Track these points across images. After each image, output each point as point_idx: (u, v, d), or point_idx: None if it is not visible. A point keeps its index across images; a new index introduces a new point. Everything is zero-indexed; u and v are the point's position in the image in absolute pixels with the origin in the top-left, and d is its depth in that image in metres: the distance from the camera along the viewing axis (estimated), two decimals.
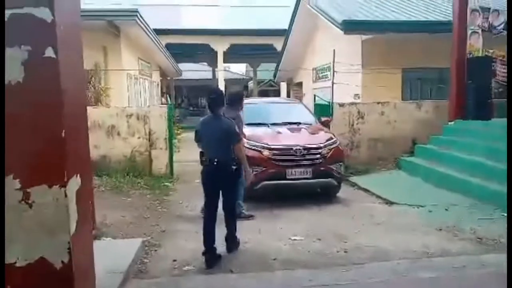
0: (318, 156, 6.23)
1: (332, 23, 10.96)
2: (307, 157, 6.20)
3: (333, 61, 9.56)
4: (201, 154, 4.19)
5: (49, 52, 2.44)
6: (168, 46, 17.92)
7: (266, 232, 4.98)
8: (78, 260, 2.61)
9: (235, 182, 4.30)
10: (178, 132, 15.59)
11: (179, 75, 25.57)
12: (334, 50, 9.65)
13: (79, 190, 2.72)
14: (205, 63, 29.44)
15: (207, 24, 20.83)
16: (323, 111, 9.65)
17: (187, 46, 21.31)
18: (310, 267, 3.89)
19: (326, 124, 7.73)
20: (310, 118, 7.68)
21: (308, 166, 6.17)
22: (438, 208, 5.80)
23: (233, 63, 31.60)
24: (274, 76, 20.15)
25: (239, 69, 39.06)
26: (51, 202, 2.49)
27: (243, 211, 5.51)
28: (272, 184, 6.11)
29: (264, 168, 6.04)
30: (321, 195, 6.73)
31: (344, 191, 7.09)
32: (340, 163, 6.56)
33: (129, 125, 8.37)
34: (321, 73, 14.65)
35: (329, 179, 6.32)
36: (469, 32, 8.67)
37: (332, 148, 6.46)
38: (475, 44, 8.59)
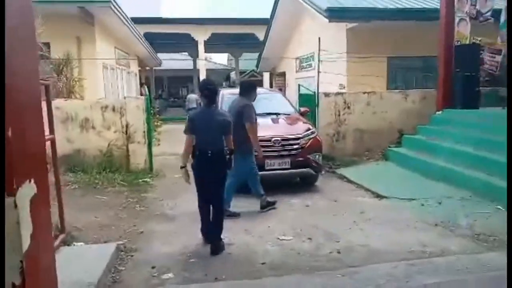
0: (297, 146, 6.23)
1: (316, 10, 10.62)
2: (286, 147, 6.22)
3: (319, 50, 9.22)
4: (193, 147, 4.10)
5: None
6: (147, 36, 17.31)
7: (252, 231, 4.65)
8: (34, 280, 2.21)
9: (226, 174, 4.23)
10: (158, 124, 15.07)
11: (159, 65, 24.88)
12: (319, 38, 9.33)
13: (35, 197, 2.32)
14: (186, 53, 28.77)
15: (188, 13, 20.28)
16: (307, 102, 9.34)
17: (167, 36, 20.70)
18: (302, 271, 3.58)
19: (304, 115, 7.64)
20: (289, 109, 7.59)
21: (287, 156, 6.20)
22: (430, 201, 5.57)
23: (215, 52, 31.01)
24: (257, 66, 19.75)
25: (221, 59, 38.49)
26: None
27: (229, 208, 5.20)
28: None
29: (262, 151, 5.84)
30: (307, 189, 6.44)
31: (332, 185, 6.84)
32: (318, 154, 6.60)
33: (104, 118, 7.87)
34: (305, 62, 14.34)
35: (307, 169, 6.30)
36: (456, 19, 8.46)
37: (310, 139, 6.47)
38: (463, 32, 8.39)
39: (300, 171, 6.34)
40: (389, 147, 8.59)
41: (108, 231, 4.62)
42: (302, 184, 6.72)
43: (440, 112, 8.49)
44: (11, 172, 2.13)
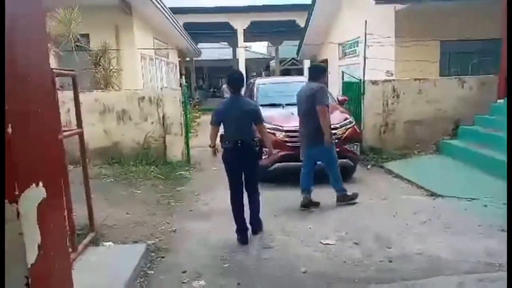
0: (333, 136, 5.79)
1: None
2: None
3: (365, 34, 8.56)
4: (221, 137, 4.10)
5: None
6: (187, 26, 17.17)
7: (292, 233, 4.26)
8: None
9: (257, 162, 4.18)
10: (197, 115, 14.96)
11: (199, 56, 24.81)
12: (366, 21, 8.64)
13: (44, 202, 2.04)
14: (226, 43, 28.57)
15: (226, 1, 19.92)
16: (352, 90, 8.75)
17: (206, 25, 20.49)
18: (348, 283, 3.15)
19: (342, 104, 7.37)
20: None
21: None
22: (493, 201, 4.91)
23: (254, 41, 30.52)
24: (297, 53, 19.12)
25: (260, 48, 38.02)
26: None
27: (347, 193, 5.14)
28: (286, 166, 5.99)
29: (277, 150, 5.75)
30: (351, 185, 5.92)
31: (379, 181, 6.29)
32: (356, 144, 6.40)
33: (141, 109, 7.72)
34: (349, 48, 13.60)
35: (345, 160, 5.99)
36: None
37: (348, 128, 6.27)
38: None
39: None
40: (443, 139, 7.85)
41: (139, 229, 4.39)
42: (344, 179, 6.01)
43: (501, 101, 7.61)
44: (12, 176, 1.85)
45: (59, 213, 2.33)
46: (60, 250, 2.28)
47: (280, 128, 6.16)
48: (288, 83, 8.28)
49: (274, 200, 5.25)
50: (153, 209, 5.12)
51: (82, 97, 7.65)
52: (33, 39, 2.12)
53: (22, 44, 1.99)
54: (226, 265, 3.54)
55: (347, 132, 6.23)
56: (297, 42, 19.41)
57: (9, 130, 1.78)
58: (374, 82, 7.95)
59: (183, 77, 11.55)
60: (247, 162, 4.04)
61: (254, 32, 22.11)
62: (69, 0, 8.30)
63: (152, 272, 3.46)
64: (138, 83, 10.71)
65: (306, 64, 21.93)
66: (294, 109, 6.43)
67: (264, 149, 4.33)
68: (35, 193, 1.98)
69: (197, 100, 20.13)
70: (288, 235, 4.19)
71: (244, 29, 20.02)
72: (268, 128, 5.76)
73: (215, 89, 31.84)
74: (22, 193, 1.84)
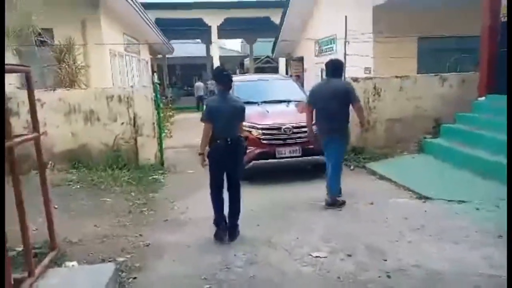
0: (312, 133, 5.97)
1: None
2: (296, 135, 6.18)
3: (345, 30, 8.32)
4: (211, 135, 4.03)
5: None
6: (158, 22, 16.58)
7: (278, 244, 3.90)
8: None
9: (242, 159, 4.28)
10: (171, 114, 14.44)
11: (171, 53, 24.15)
12: (346, 17, 8.40)
13: None
14: (199, 40, 27.97)
15: None
16: None
17: (179, 21, 19.89)
18: None
19: None
20: (300, 95, 7.36)
21: (297, 144, 6.19)
22: (484, 204, 4.72)
23: (228, 38, 30.05)
24: (272, 51, 18.89)
25: (234, 46, 37.52)
26: None
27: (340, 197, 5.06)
28: (262, 163, 6.11)
29: (253, 148, 5.97)
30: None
31: (363, 182, 6.04)
32: None
33: (110, 109, 7.19)
34: (325, 45, 13.40)
35: (319, 156, 5.92)
36: None
37: None
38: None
39: (311, 158, 6.20)
40: (425, 137, 7.70)
41: (108, 244, 3.94)
42: (322, 176, 5.98)
43: (482, 98, 7.53)
44: None
45: None
46: None
47: (256, 126, 6.20)
48: (264, 81, 8.36)
49: (254, 202, 4.95)
50: (124, 219, 4.66)
51: (45, 96, 7.17)
52: None
53: None
54: (207, 286, 3.15)
55: None
56: (271, 40, 19.14)
57: None
58: (355, 80, 7.70)
59: (155, 74, 11.03)
60: (235, 159, 4.07)
61: (228, 29, 21.68)
62: None
63: None
64: (107, 81, 10.12)
65: (282, 61, 21.73)
66: (270, 107, 6.76)
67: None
68: None
69: (171, 99, 19.53)
70: (274, 247, 3.83)
71: (218, 26, 19.56)
72: (244, 126, 5.86)
73: (189, 87, 31.18)
74: None
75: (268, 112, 6.62)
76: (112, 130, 7.18)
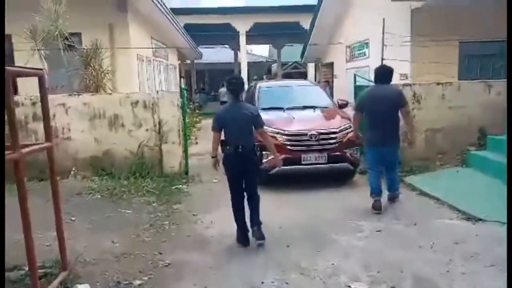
0: (333, 141, 6.17)
1: None
2: (322, 142, 6.15)
3: (383, 32, 7.81)
4: (222, 142, 4.09)
5: None
6: (187, 27, 16.48)
7: (311, 270, 3.48)
8: None
9: (258, 167, 4.22)
10: (198, 120, 14.22)
11: (199, 58, 24.09)
12: (384, 19, 7.90)
13: None
14: (227, 46, 27.89)
15: (228, 2, 19.24)
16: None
17: (207, 27, 19.78)
18: None
19: (342, 108, 7.45)
20: (327, 101, 7.54)
21: (323, 151, 6.13)
22: None
23: (256, 44, 29.80)
24: (301, 56, 18.39)
25: (262, 51, 37.31)
26: None
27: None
28: (288, 170, 5.97)
29: (279, 154, 5.74)
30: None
31: (403, 199, 5.50)
32: (356, 148, 6.39)
33: (134, 115, 6.97)
34: (357, 50, 12.86)
35: (345, 163, 6.20)
36: None
37: (348, 133, 6.27)
38: None
39: (337, 165, 6.19)
40: (469, 149, 7.09)
41: (125, 263, 3.62)
42: (344, 182, 6.44)
43: None
44: None
45: None
46: None
47: (282, 131, 6.19)
48: (290, 87, 8.31)
49: (282, 217, 4.66)
50: (144, 234, 4.35)
51: (69, 100, 7.02)
52: None
53: None
54: None
55: (347, 137, 6.26)
56: (300, 45, 18.73)
57: None
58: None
59: (183, 79, 10.84)
60: (248, 167, 4.04)
61: (257, 34, 21.43)
62: None
63: None
64: (134, 86, 9.97)
65: (311, 67, 21.24)
66: (295, 113, 6.75)
67: (264, 153, 4.66)
68: None
69: (198, 104, 19.40)
70: (306, 274, 3.41)
71: (246, 31, 19.32)
72: (269, 132, 5.91)
73: (216, 92, 31.12)
74: None
75: (294, 118, 6.57)
76: (136, 136, 6.96)
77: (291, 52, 26.65)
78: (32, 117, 6.72)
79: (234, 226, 4.19)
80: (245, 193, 4.14)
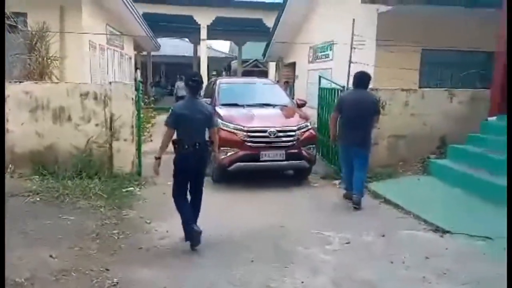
0: (292, 138, 6.27)
1: None
2: (281, 139, 6.23)
3: (352, 35, 7.66)
4: (175, 141, 3.94)
5: None
6: (146, 17, 15.67)
7: None
8: None
9: (207, 164, 4.25)
10: (153, 115, 13.52)
11: (157, 50, 23.17)
12: (353, 20, 7.75)
13: None
14: (186, 40, 27.13)
15: None
16: (330, 98, 7.84)
17: (168, 17, 19.01)
18: None
19: (300, 107, 7.58)
20: (286, 100, 7.67)
21: (282, 148, 6.21)
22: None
23: (217, 39, 29.20)
24: (264, 55, 18.12)
25: (222, 47, 36.76)
26: None
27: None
28: (246, 166, 6.13)
29: (238, 150, 6.09)
30: (341, 215, 5.00)
31: (369, 208, 5.34)
32: (313, 146, 6.62)
33: (83, 107, 6.34)
34: (321, 52, 12.76)
35: (302, 161, 6.37)
36: None
37: (305, 131, 6.48)
38: None
39: (294, 163, 6.35)
40: (429, 157, 7.10)
41: (64, 283, 3.10)
42: (301, 181, 6.63)
43: (493, 118, 6.98)
44: None
45: None
46: None
47: (242, 128, 6.20)
48: (250, 84, 8.48)
49: (242, 224, 4.39)
50: (89, 245, 3.82)
51: (9, 88, 6.25)
52: None
53: None
54: None
55: (304, 135, 6.41)
56: (261, 43, 18.46)
57: None
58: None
59: (138, 71, 10.16)
60: (201, 165, 4.05)
61: (218, 29, 20.92)
62: None
63: None
64: (85, 76, 9.21)
65: (272, 66, 21.04)
66: (255, 110, 6.79)
67: (223, 149, 5.30)
68: None
69: (153, 98, 18.57)
70: None
71: (208, 25, 18.76)
72: (229, 128, 6.20)
73: (173, 86, 30.18)
74: None
75: (254, 115, 6.61)
76: (84, 131, 6.33)
77: (252, 50, 26.40)
78: None
79: None
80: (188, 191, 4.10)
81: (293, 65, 16.22)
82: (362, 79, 5.46)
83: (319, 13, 12.65)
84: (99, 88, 6.41)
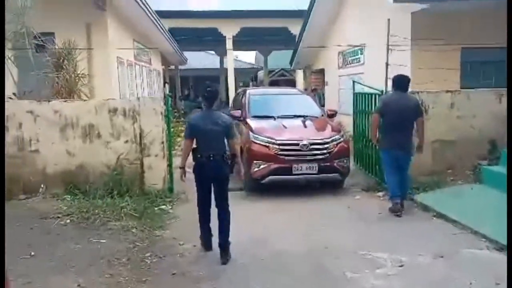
0: (325, 151, 6.17)
1: None
2: (314, 152, 6.13)
3: (388, 35, 7.22)
4: (194, 150, 4.04)
5: None
6: (172, 31, 15.72)
7: None
8: None
9: (228, 177, 4.14)
10: (183, 128, 13.41)
11: (184, 64, 23.31)
12: (388, 20, 7.31)
13: None
14: (213, 52, 27.22)
15: (215, 6, 18.56)
16: (366, 103, 7.40)
17: (193, 31, 19.05)
18: None
19: (331, 117, 7.52)
20: (316, 111, 7.55)
21: (314, 161, 6.10)
22: None
23: (243, 50, 29.15)
24: (291, 63, 17.81)
25: (248, 58, 36.73)
26: None
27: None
28: (278, 179, 6.10)
29: (270, 163, 6.02)
30: (393, 229, 4.56)
31: (419, 223, 4.88)
32: (346, 158, 6.50)
33: (112, 124, 6.19)
34: (351, 56, 12.32)
35: (335, 174, 6.26)
36: None
37: (338, 144, 6.36)
38: None
39: (327, 176, 6.24)
40: (480, 164, 6.54)
41: None
42: (333, 191, 6.37)
43: None
44: None
45: None
46: None
47: (273, 141, 6.14)
48: (280, 95, 8.30)
49: (277, 237, 3.82)
50: (119, 271, 3.57)
51: (38, 108, 6.18)
52: None
53: None
54: None
55: (337, 147, 6.30)
56: (287, 51, 18.18)
57: None
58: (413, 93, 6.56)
59: (167, 85, 10.08)
60: (218, 177, 4.02)
61: (244, 40, 20.81)
62: None
63: None
64: (114, 92, 9.13)
65: (299, 74, 20.70)
66: (286, 121, 6.71)
67: (255, 162, 5.54)
68: None
69: (183, 111, 18.59)
70: None
71: (233, 36, 18.66)
72: (260, 141, 6.19)
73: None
74: None
75: (285, 127, 6.52)
76: (114, 148, 6.17)
77: (278, 59, 26.14)
78: None
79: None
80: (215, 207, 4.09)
81: (321, 71, 15.81)
82: (402, 82, 5.41)
83: (347, 16, 12.26)
84: (127, 104, 6.26)
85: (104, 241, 4.25)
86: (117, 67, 9.66)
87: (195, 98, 29.94)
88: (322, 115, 7.40)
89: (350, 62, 12.41)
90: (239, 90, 11.39)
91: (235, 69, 20.71)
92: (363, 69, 11.19)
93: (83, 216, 4.89)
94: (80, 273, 3.47)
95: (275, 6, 18.07)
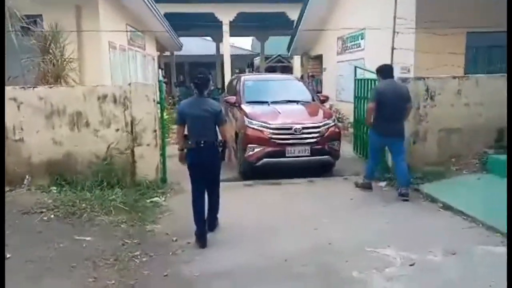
0: (316, 134, 6.38)
1: None
2: (306, 135, 6.34)
3: (394, 17, 6.86)
4: (185, 137, 4.07)
5: None
6: (167, 17, 15.23)
7: None
8: None
9: (219, 163, 4.19)
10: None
11: (180, 50, 22.78)
12: (395, 1, 6.94)
13: None
14: (209, 38, 26.66)
15: None
16: (369, 90, 7.08)
17: (189, 16, 18.53)
18: None
19: (323, 102, 7.69)
20: (309, 96, 7.70)
21: (307, 144, 6.33)
22: None
23: (240, 36, 28.60)
24: (288, 49, 17.39)
25: (244, 44, 36.13)
26: None
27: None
28: (272, 161, 6.29)
29: (264, 147, 6.24)
30: (399, 226, 4.27)
31: (425, 215, 4.61)
32: (337, 141, 6.69)
33: (102, 112, 5.83)
34: (350, 42, 11.94)
35: (327, 156, 6.48)
36: None
37: (330, 127, 6.57)
38: None
39: (319, 158, 6.43)
40: (486, 152, 6.27)
41: None
42: (325, 173, 6.57)
43: None
44: None
45: None
46: None
47: (267, 125, 6.31)
48: (273, 81, 8.45)
49: (285, 247, 3.54)
50: (106, 274, 3.27)
51: (22, 94, 5.78)
52: None
53: None
54: None
55: (328, 131, 6.50)
56: (284, 38, 17.73)
57: None
58: (404, 80, 6.25)
59: (161, 71, 9.70)
60: (209, 163, 4.04)
61: (240, 25, 20.29)
62: None
63: None
64: (105, 78, 8.76)
65: (297, 60, 20.27)
66: (280, 107, 6.86)
67: (249, 146, 5.78)
68: None
69: (178, 98, 18.17)
70: None
71: (230, 21, 18.17)
72: (254, 125, 6.37)
73: None
74: None
75: (279, 112, 6.66)
76: (104, 137, 5.83)
77: (275, 45, 25.64)
78: None
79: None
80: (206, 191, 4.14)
81: (319, 58, 15.44)
82: (388, 70, 5.58)
83: (345, 2, 11.84)
84: (118, 90, 5.90)
85: (89, 238, 3.94)
86: (109, 52, 9.25)
87: (191, 84, 29.46)
88: (314, 100, 7.54)
89: (350, 47, 12.04)
90: (233, 76, 11.41)
91: (232, 56, 20.26)
92: (363, 54, 10.84)
93: (68, 210, 4.57)
94: (61, 278, 3.16)
95: None
